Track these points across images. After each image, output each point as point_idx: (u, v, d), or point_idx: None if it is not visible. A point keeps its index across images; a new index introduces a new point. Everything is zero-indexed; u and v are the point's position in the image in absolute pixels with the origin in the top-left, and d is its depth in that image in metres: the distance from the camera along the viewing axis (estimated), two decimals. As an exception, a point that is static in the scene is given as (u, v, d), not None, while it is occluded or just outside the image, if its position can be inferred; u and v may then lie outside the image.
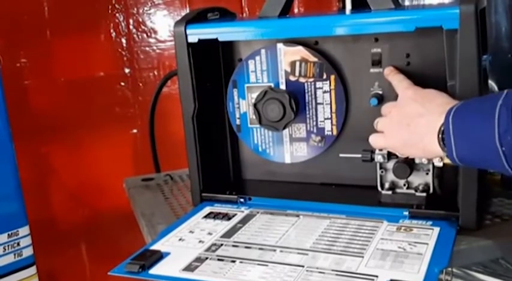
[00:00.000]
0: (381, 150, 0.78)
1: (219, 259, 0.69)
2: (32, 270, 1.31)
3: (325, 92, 0.85)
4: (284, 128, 0.85)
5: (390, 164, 0.80)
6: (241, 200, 0.87)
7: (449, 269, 0.65)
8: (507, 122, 0.55)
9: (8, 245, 1.25)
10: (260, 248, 0.71)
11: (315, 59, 0.84)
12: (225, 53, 0.91)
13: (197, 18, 0.87)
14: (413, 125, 0.67)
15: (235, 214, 0.83)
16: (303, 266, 0.66)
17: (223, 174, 0.94)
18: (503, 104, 0.56)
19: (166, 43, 1.76)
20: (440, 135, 0.63)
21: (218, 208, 0.86)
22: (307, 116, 0.86)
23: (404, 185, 0.80)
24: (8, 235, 1.25)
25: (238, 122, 0.92)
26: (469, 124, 0.59)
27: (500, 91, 0.59)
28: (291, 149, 0.89)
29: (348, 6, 0.96)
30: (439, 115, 0.63)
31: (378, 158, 0.79)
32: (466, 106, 0.61)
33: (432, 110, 0.66)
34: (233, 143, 0.94)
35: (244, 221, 0.80)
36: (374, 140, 0.75)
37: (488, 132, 0.56)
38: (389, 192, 0.81)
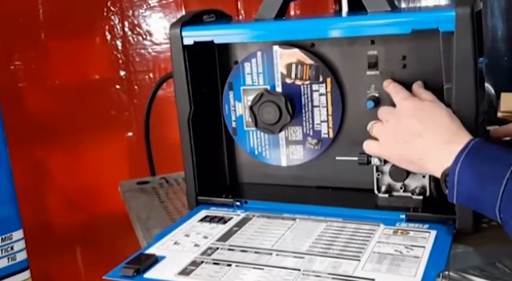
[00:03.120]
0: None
1: (214, 263, 0.69)
2: (26, 274, 1.30)
3: (321, 94, 0.84)
4: (280, 130, 0.85)
5: (387, 167, 0.80)
6: (237, 203, 0.87)
7: (446, 272, 0.64)
8: (510, 198, 0.58)
9: (2, 249, 1.25)
10: (256, 252, 0.71)
11: (311, 62, 0.84)
12: (220, 56, 0.91)
13: (193, 20, 0.87)
14: (411, 143, 0.69)
15: (231, 218, 0.82)
16: (299, 270, 0.65)
17: (219, 177, 0.94)
18: (510, 177, 0.58)
19: (162, 46, 1.76)
20: (444, 177, 0.65)
21: (214, 212, 0.85)
22: (304, 118, 0.86)
23: (401, 188, 0.80)
24: (2, 239, 1.25)
25: (234, 124, 0.91)
26: (474, 186, 0.61)
27: (511, 152, 0.61)
28: (287, 152, 0.89)
29: (344, 8, 0.96)
30: (440, 143, 0.65)
31: (375, 161, 0.79)
32: (474, 162, 0.62)
33: (431, 132, 0.67)
34: (229, 146, 0.94)
35: (240, 224, 0.80)
36: (368, 146, 0.76)
37: (490, 199, 0.60)
38: (386, 195, 0.81)
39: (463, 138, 0.65)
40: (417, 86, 0.76)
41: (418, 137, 0.68)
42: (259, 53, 0.87)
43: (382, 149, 0.74)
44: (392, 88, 0.77)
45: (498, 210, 0.59)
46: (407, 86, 0.77)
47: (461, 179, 0.62)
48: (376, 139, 0.75)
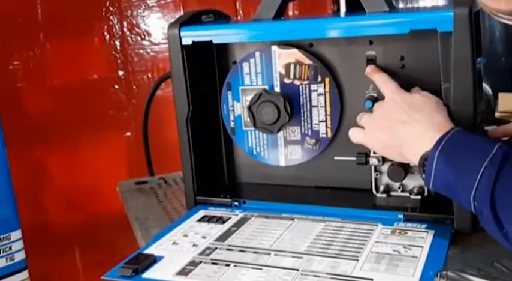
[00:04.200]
0: (374, 153, 0.78)
1: (213, 263, 0.69)
2: (24, 274, 1.30)
3: (319, 94, 0.85)
4: (279, 130, 0.85)
5: (385, 167, 0.80)
6: (236, 203, 0.87)
7: (444, 272, 0.64)
8: (487, 187, 0.58)
9: (0, 250, 1.25)
10: (254, 252, 0.71)
11: (310, 62, 0.84)
12: (219, 56, 0.91)
13: (191, 20, 0.87)
14: (395, 130, 0.70)
15: (230, 217, 0.83)
16: (297, 270, 0.65)
17: (217, 177, 0.94)
18: (488, 165, 0.58)
19: (160, 46, 1.76)
20: (422, 162, 0.65)
21: (212, 211, 0.85)
22: (302, 118, 0.86)
23: (399, 188, 0.80)
24: (0, 239, 1.25)
25: (232, 124, 0.91)
26: (451, 173, 0.62)
27: (490, 142, 0.61)
28: (286, 152, 0.89)
29: (343, 8, 0.96)
30: (422, 131, 0.66)
31: (373, 161, 0.79)
32: (454, 148, 0.62)
33: (416, 122, 0.68)
34: (227, 146, 0.94)
35: (239, 224, 0.80)
36: (353, 133, 0.77)
37: (466, 187, 0.60)
38: (384, 195, 0.81)
39: (445, 127, 0.65)
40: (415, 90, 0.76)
41: (402, 125, 0.69)
42: (257, 53, 0.87)
43: (366, 137, 0.75)
44: (379, 79, 0.77)
45: (473, 198, 0.59)
46: (406, 87, 0.77)
47: (438, 165, 0.62)
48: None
